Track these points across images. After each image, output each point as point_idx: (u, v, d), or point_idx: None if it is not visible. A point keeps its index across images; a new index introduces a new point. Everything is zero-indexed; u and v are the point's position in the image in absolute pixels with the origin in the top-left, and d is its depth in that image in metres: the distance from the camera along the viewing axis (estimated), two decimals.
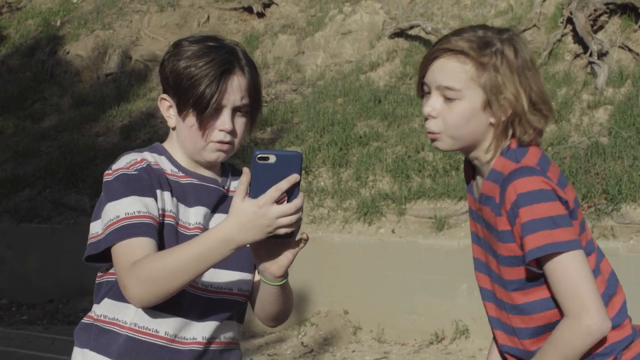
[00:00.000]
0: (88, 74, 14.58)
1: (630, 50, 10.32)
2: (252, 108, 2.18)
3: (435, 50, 2.14)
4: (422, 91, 2.20)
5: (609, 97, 9.64)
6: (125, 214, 2.04)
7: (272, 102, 12.07)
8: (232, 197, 2.11)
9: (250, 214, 1.88)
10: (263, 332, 8.89)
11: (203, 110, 2.10)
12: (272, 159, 1.89)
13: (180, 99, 2.13)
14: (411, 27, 12.31)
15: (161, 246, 2.06)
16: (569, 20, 10.81)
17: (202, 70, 2.09)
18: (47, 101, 14.29)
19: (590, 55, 10.13)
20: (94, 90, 14.19)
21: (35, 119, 13.87)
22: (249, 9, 14.36)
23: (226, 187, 2.24)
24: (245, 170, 1.91)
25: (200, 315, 2.14)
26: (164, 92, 2.19)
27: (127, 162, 2.12)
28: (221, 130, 2.13)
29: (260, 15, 14.28)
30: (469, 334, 8.13)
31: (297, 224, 1.92)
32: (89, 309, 2.26)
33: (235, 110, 2.14)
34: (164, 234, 2.09)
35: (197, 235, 2.07)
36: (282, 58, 13.17)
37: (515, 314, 2.19)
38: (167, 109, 2.19)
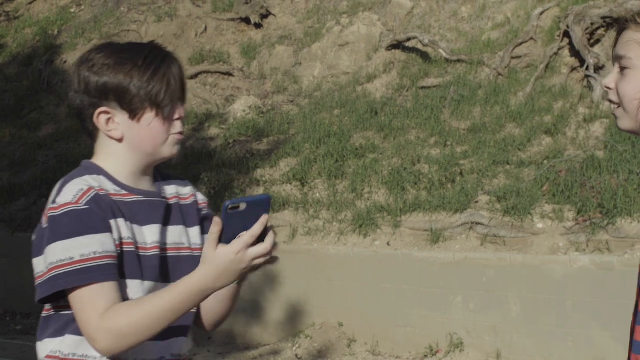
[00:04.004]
0: None
1: None
2: (184, 97, 2.18)
3: (621, 23, 2.01)
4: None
5: (605, 110, 9.65)
6: (80, 256, 1.95)
7: (268, 113, 12.07)
8: (173, 205, 2.18)
9: (227, 262, 1.91)
10: (257, 344, 8.87)
11: (160, 104, 2.08)
12: (243, 206, 1.91)
13: (132, 102, 2.07)
14: (408, 39, 12.33)
15: (122, 274, 2.01)
16: (566, 34, 10.84)
17: (143, 68, 2.07)
18: (44, 110, 14.27)
19: (587, 68, 10.15)
20: None
21: (31, 128, 13.86)
22: (246, 20, 14.38)
23: (163, 196, 2.19)
24: (216, 221, 1.91)
25: (163, 336, 2.09)
26: (97, 106, 2.09)
27: (74, 196, 2.00)
28: (178, 119, 2.12)
29: (258, 26, 14.30)
30: (464, 347, 8.11)
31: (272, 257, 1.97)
32: None
33: (180, 100, 2.15)
34: (125, 262, 2.03)
35: (157, 254, 2.08)
36: (279, 69, 13.17)
37: None
38: (106, 123, 2.10)
